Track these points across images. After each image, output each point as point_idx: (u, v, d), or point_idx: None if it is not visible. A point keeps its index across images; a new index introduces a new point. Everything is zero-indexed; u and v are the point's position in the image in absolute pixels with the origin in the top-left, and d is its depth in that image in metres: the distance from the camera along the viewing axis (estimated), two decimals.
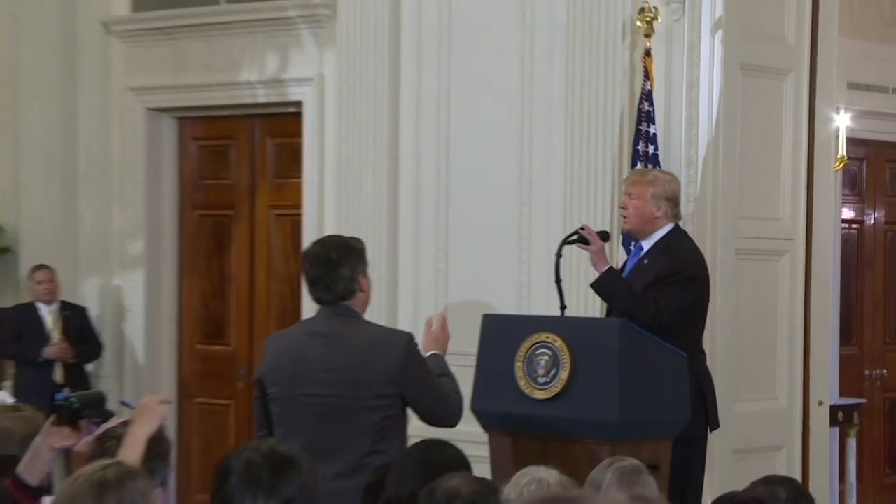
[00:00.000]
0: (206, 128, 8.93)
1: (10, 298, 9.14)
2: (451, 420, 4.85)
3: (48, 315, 8.59)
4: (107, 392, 5.22)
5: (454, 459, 4.21)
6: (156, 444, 3.89)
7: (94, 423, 3.74)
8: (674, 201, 5.95)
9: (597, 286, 5.87)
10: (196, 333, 8.95)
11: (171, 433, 8.52)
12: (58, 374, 8.35)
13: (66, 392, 3.83)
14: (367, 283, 4.87)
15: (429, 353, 4.95)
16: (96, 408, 3.75)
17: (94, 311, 8.82)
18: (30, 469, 3.58)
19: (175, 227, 8.98)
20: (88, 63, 8.94)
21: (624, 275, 5.94)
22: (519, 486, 3.89)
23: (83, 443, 4.02)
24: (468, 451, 4.47)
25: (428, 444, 4.27)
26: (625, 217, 5.99)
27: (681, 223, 6.07)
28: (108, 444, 3.79)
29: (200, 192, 8.95)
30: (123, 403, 4.41)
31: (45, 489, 3.67)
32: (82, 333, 8.63)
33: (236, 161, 8.81)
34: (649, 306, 5.62)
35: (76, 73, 8.97)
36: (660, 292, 5.68)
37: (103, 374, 8.80)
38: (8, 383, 8.61)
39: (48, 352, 8.44)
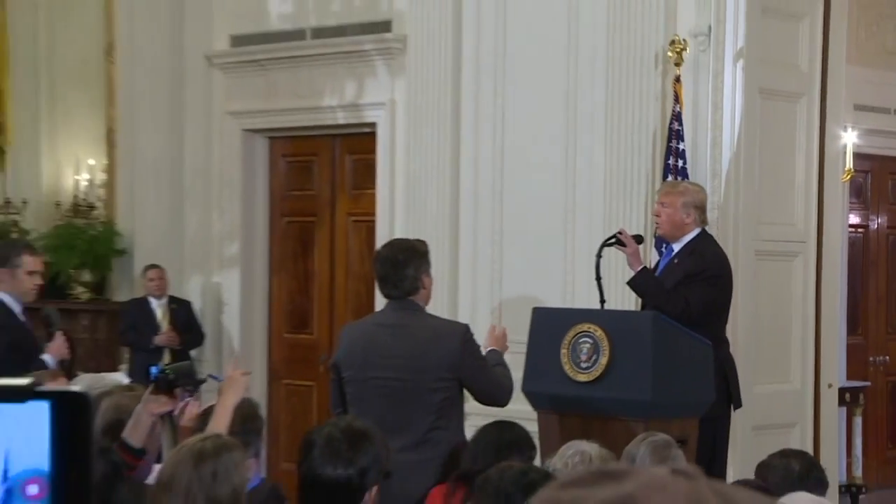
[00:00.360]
0: (293, 146, 8.94)
1: (126, 293, 9.21)
2: (502, 401, 4.82)
3: (158, 308, 8.63)
4: (204, 371, 5.22)
5: (522, 438, 4.20)
6: (250, 421, 3.90)
7: (187, 390, 3.73)
8: (701, 209, 5.90)
9: (632, 284, 5.81)
10: (284, 324, 8.96)
11: (263, 411, 8.54)
12: (166, 359, 8.37)
13: (160, 365, 3.83)
14: (430, 280, 4.84)
15: (489, 349, 4.94)
16: (188, 377, 3.75)
17: (196, 304, 8.85)
18: (133, 433, 3.59)
19: (266, 232, 8.99)
20: (193, 91, 8.98)
21: (656, 274, 5.88)
22: (564, 458, 3.86)
23: (188, 418, 4.02)
24: None
25: (500, 425, 4.26)
26: (658, 223, 5.94)
27: (707, 228, 6.00)
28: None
29: (288, 201, 8.96)
30: (211, 377, 4.40)
31: (146, 452, 3.67)
32: (187, 324, 8.66)
33: (319, 175, 8.81)
34: (679, 301, 5.56)
35: (183, 100, 9.01)
36: (688, 289, 5.62)
37: (204, 359, 8.82)
38: (124, 366, 8.66)
39: (158, 339, 8.48)
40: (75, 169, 9.82)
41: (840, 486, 7.94)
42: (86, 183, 9.81)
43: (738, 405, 5.84)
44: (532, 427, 5.15)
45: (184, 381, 3.69)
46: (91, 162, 9.87)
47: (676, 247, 5.87)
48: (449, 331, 4.79)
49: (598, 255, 5.74)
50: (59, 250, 9.23)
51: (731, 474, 6.03)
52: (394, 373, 4.66)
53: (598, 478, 0.90)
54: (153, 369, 3.71)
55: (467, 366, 4.68)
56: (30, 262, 5.54)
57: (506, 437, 4.15)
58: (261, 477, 3.92)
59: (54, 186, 10.09)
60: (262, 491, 3.91)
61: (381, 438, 3.26)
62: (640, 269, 5.72)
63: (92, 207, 9.74)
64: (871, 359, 9.53)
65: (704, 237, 5.92)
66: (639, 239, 5.87)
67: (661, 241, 6.28)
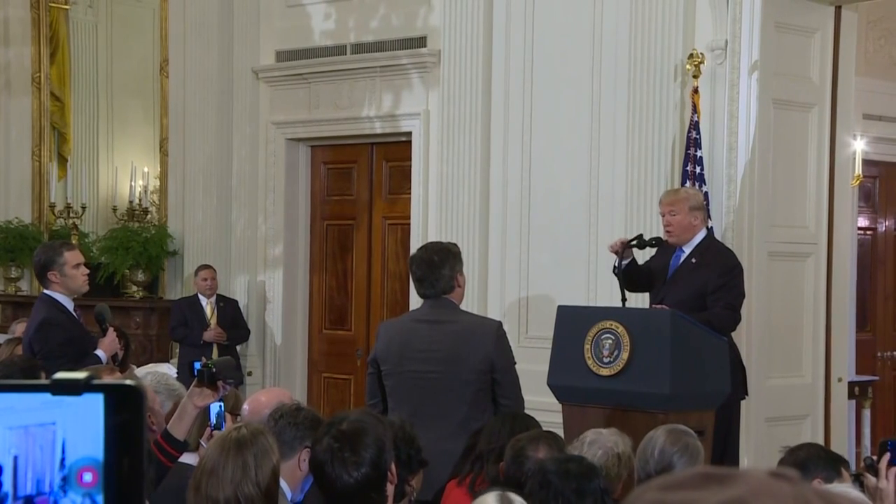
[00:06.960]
0: (333, 154, 8.96)
1: (176, 292, 9.25)
2: (519, 408, 4.74)
3: (207, 306, 8.65)
4: (246, 367, 5.19)
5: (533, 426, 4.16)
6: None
7: (228, 384, 3.70)
8: (703, 209, 5.92)
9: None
10: (323, 320, 8.97)
11: (303, 401, 8.57)
12: (213, 354, 8.39)
13: (202, 360, 3.80)
14: (463, 279, 4.85)
15: None
16: (230, 371, 3.72)
17: (242, 302, 8.86)
18: (177, 425, 3.56)
19: (307, 235, 9.01)
20: (240, 103, 9.01)
21: (668, 274, 5.84)
22: (585, 444, 3.84)
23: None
24: (544, 418, 4.43)
25: (514, 416, 4.23)
26: (670, 231, 5.86)
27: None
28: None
29: (328, 205, 8.98)
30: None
31: (188, 444, 3.65)
32: (233, 321, 8.66)
33: (357, 180, 8.83)
34: (727, 318, 5.53)
35: (231, 110, 9.04)
36: (727, 293, 5.60)
37: (249, 354, 8.86)
38: (174, 360, 8.69)
39: (207, 335, 8.48)
40: (130, 176, 9.88)
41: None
42: (140, 189, 9.87)
43: (746, 394, 5.87)
44: (557, 418, 5.14)
45: (226, 374, 3.66)
46: (145, 169, 9.93)
47: (687, 249, 5.84)
48: (484, 326, 4.79)
49: (620, 256, 5.71)
50: (115, 252, 9.29)
51: (745, 463, 5.99)
52: (431, 365, 4.66)
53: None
54: (196, 364, 3.69)
55: (500, 359, 4.68)
56: (70, 256, 5.56)
57: (519, 425, 4.11)
58: None
59: (111, 192, 10.18)
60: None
61: (375, 424, 3.13)
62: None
63: (146, 211, 9.80)
64: (879, 354, 9.44)
65: (712, 235, 5.96)
66: (658, 241, 5.84)
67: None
